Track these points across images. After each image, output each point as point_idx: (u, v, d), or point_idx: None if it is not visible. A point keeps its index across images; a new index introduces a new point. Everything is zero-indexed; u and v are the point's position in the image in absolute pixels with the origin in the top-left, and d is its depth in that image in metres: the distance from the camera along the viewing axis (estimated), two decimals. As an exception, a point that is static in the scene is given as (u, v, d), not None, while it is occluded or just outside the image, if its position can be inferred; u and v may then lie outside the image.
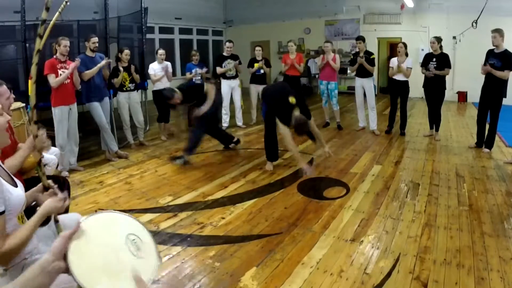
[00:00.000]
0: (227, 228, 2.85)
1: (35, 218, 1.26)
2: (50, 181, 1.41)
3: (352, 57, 6.09)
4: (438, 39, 5.29)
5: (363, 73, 5.84)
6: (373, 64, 5.80)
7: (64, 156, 4.08)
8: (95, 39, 4.42)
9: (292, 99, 3.78)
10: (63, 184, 1.67)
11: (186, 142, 4.44)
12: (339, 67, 6.32)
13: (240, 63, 6.38)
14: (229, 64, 6.28)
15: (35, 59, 1.25)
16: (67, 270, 0.86)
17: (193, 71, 6.03)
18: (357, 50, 5.93)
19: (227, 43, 6.42)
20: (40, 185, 1.44)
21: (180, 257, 2.44)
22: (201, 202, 3.36)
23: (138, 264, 0.94)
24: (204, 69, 6.19)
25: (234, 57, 6.33)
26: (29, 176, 2.30)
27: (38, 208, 1.32)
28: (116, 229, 0.99)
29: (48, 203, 1.30)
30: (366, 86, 5.91)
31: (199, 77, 6.06)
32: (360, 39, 5.86)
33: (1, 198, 1.19)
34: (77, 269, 0.86)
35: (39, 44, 1.23)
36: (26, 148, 1.80)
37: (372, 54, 5.87)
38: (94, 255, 0.91)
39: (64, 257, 0.87)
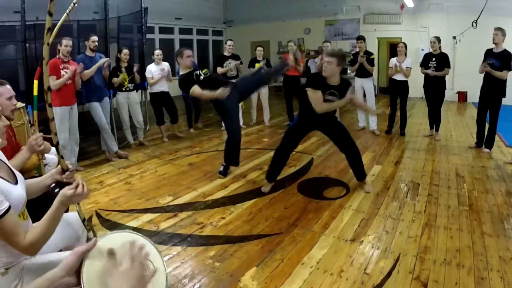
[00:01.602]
0: (227, 228, 2.85)
1: (51, 209, 1.24)
2: (68, 162, 1.44)
3: (352, 57, 6.11)
4: (439, 39, 5.30)
5: (363, 73, 5.85)
6: (372, 64, 5.81)
7: (67, 155, 4.09)
8: (95, 38, 4.42)
9: None
10: (66, 185, 1.67)
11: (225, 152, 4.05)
12: None
13: (241, 63, 6.36)
14: (230, 64, 6.25)
15: (46, 39, 1.22)
16: (76, 286, 0.86)
17: None
18: (357, 50, 5.95)
19: (228, 42, 6.34)
20: (59, 166, 1.48)
21: (180, 257, 2.44)
22: (201, 202, 3.36)
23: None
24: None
25: (235, 57, 6.31)
26: (29, 176, 2.30)
27: (57, 190, 1.32)
28: None
29: (61, 192, 1.27)
30: (366, 86, 5.91)
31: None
32: (361, 38, 5.87)
33: (2, 195, 1.19)
34: (90, 286, 0.86)
35: (49, 22, 1.19)
36: (27, 150, 1.81)
37: (372, 54, 5.87)
38: (107, 274, 0.90)
39: (77, 273, 0.87)
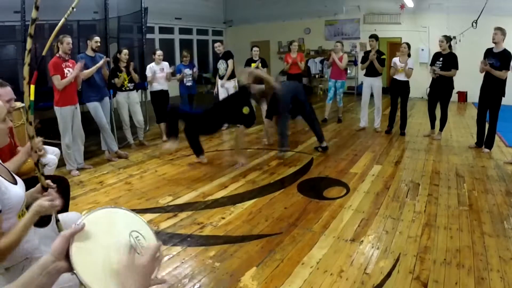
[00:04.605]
0: (227, 228, 2.85)
1: (26, 217, 1.26)
2: (49, 181, 1.40)
3: (363, 54, 6.11)
4: (448, 38, 5.26)
5: (372, 72, 5.86)
6: (383, 65, 5.82)
7: (71, 155, 4.09)
8: (98, 38, 4.41)
9: (245, 109, 4.21)
10: (61, 183, 1.65)
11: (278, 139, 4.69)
12: (344, 66, 6.50)
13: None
14: (221, 65, 6.28)
15: (27, 59, 1.24)
16: (68, 270, 0.86)
17: (183, 72, 5.97)
18: (370, 48, 5.95)
19: (215, 44, 6.36)
20: (38, 185, 1.44)
21: (180, 257, 2.44)
22: (201, 202, 3.36)
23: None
24: (194, 69, 6.13)
25: (226, 55, 6.29)
26: (29, 176, 2.30)
27: None
28: (119, 226, 0.97)
29: (37, 203, 1.29)
30: (374, 86, 5.94)
31: (190, 78, 6.02)
32: (373, 37, 5.89)
33: None
34: (81, 268, 0.85)
35: (29, 44, 1.23)
36: (24, 154, 1.78)
37: (383, 54, 5.92)
38: (98, 254, 0.89)
39: (66, 257, 0.86)
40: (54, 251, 0.86)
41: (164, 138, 5.73)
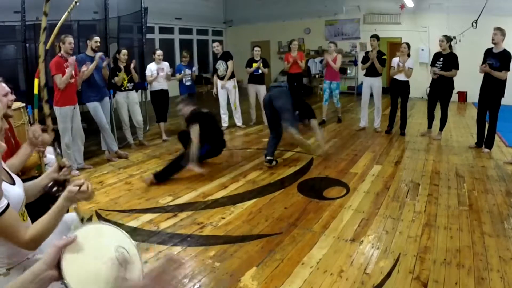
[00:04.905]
0: (227, 228, 2.85)
1: (56, 204, 1.24)
2: (65, 159, 1.43)
3: (364, 55, 6.10)
4: (448, 38, 5.25)
5: (372, 72, 5.86)
6: (383, 65, 5.81)
7: (71, 155, 4.09)
8: (98, 38, 4.42)
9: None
10: (61, 184, 1.64)
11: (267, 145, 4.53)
12: (338, 67, 6.43)
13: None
14: (220, 66, 6.30)
15: (42, 38, 1.25)
16: (59, 279, 0.88)
17: (183, 72, 6.00)
18: (371, 48, 5.94)
19: (213, 44, 6.44)
20: (56, 164, 1.48)
21: (180, 257, 2.44)
22: (201, 202, 3.36)
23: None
24: (194, 68, 6.18)
25: (225, 55, 6.32)
26: (29, 176, 2.30)
27: (54, 189, 1.32)
28: (106, 241, 1.03)
29: (67, 188, 1.27)
30: (374, 86, 5.93)
31: (189, 78, 6.05)
32: (374, 37, 5.88)
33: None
34: (71, 278, 0.88)
35: (44, 22, 1.25)
36: (28, 145, 1.80)
37: (384, 54, 5.91)
38: (87, 266, 0.94)
39: (57, 266, 0.89)
40: (46, 259, 0.88)
41: (164, 137, 5.74)
